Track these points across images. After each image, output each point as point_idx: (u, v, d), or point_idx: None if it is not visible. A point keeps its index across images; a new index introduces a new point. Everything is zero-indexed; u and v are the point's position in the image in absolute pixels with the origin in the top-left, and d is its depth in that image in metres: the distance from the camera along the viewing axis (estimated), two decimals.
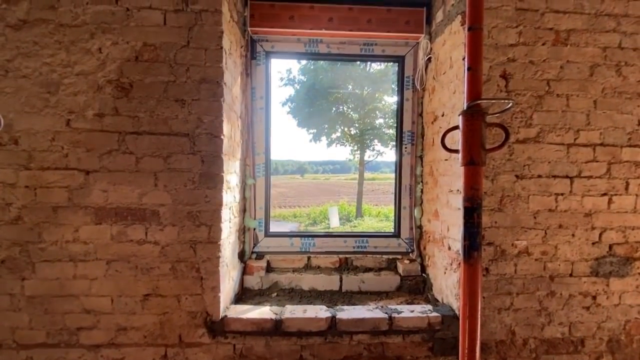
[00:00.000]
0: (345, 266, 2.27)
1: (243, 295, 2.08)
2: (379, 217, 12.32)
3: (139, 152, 1.60)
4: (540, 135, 1.71)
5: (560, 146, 1.71)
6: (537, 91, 1.69)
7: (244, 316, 1.66)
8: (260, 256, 2.23)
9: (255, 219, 2.21)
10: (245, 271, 2.14)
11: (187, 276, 1.62)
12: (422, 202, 2.26)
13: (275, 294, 2.12)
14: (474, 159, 0.85)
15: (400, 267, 2.19)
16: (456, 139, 0.96)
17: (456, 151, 0.91)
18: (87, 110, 1.59)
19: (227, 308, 1.74)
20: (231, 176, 1.80)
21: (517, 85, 1.68)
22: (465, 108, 0.88)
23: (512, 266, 1.72)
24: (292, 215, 12.77)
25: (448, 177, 1.86)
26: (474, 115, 0.86)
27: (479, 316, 0.86)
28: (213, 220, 1.62)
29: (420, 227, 2.27)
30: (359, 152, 13.60)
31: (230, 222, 1.82)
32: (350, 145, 13.74)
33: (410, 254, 2.28)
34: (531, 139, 1.70)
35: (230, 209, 1.81)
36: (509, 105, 0.88)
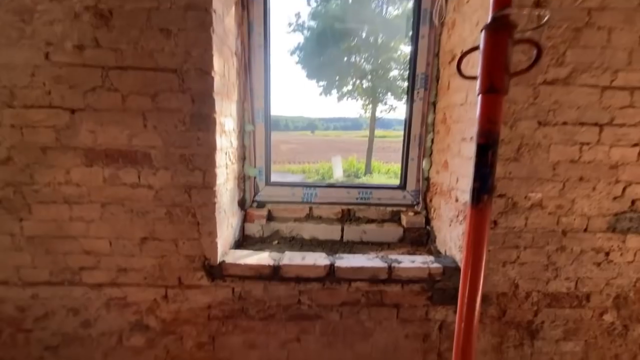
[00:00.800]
0: (347, 217, 2.22)
1: (244, 242, 2.08)
2: (388, 175, 12.21)
3: (125, 90, 1.48)
4: (572, 76, 1.50)
5: (593, 89, 1.51)
6: (576, 23, 1.45)
7: (242, 261, 1.65)
8: (261, 205, 2.19)
9: (255, 167, 2.13)
10: (246, 219, 2.12)
11: (183, 221, 1.59)
12: (431, 153, 2.12)
13: (277, 241, 2.11)
14: (494, 85, 0.71)
15: (404, 219, 2.12)
16: (475, 67, 0.80)
17: (474, 78, 0.76)
18: (66, 42, 1.45)
19: (226, 253, 1.73)
20: (226, 119, 1.68)
21: (552, 14, 1.43)
22: (489, 21, 0.71)
23: (522, 219, 1.63)
24: (301, 171, 12.76)
25: (462, 124, 1.70)
26: (498, 30, 0.70)
27: (483, 267, 0.78)
28: (207, 165, 1.54)
29: (427, 179, 2.15)
30: (370, 106, 13.06)
31: (227, 168, 1.74)
32: (362, 99, 13.17)
33: (415, 207, 2.20)
34: (561, 80, 1.50)
35: (226, 154, 1.71)
36: (546, 19, 0.71)
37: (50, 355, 1.70)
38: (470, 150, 1.61)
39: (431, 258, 1.75)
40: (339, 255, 1.75)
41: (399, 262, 1.68)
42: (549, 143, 1.56)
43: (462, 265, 0.81)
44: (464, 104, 1.68)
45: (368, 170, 12.42)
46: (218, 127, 1.55)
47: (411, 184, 2.19)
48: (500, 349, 1.75)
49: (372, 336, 1.72)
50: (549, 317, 1.73)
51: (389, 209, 2.22)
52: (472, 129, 1.60)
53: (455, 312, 1.71)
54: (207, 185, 1.55)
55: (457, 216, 1.71)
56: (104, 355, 1.70)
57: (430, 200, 2.13)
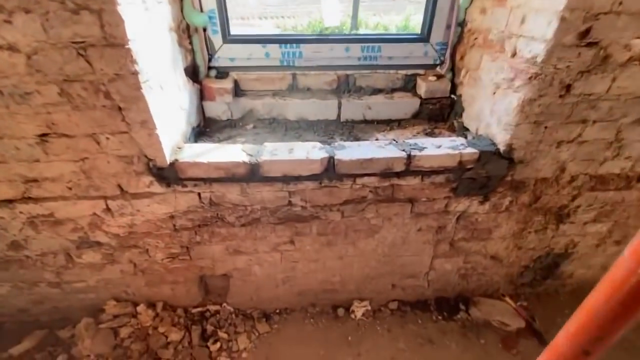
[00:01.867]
0: (345, 87, 1.64)
1: (207, 129, 1.54)
2: (377, 29, 10.55)
3: None
4: None
5: None
6: None
7: (205, 160, 1.16)
8: (223, 74, 1.54)
9: (202, 11, 1.36)
10: (203, 96, 1.50)
11: (94, 105, 1.00)
12: None
13: (252, 125, 1.58)
14: None
15: (423, 86, 1.57)
16: None
17: None
18: None
19: (180, 148, 1.22)
20: None
21: None
22: None
23: (607, 82, 1.12)
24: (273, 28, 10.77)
25: None
26: None
27: None
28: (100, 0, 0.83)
29: (462, 24, 1.48)
30: None
31: (146, 8, 1.01)
32: None
33: (439, 67, 1.61)
34: None
35: None
36: None
37: None
38: None
39: (462, 140, 1.31)
40: (339, 144, 1.27)
41: (421, 149, 1.24)
42: None
43: None
44: None
45: (354, 25, 10.57)
46: None
47: (438, 33, 1.52)
48: (521, 235, 1.55)
49: (378, 233, 1.45)
50: (587, 201, 1.46)
51: (402, 72, 1.62)
52: None
53: (481, 202, 1.41)
54: (112, 39, 0.89)
55: (512, 80, 1.17)
56: (57, 274, 1.41)
57: (462, 58, 1.52)
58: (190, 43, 1.41)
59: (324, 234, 1.43)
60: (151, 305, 1.55)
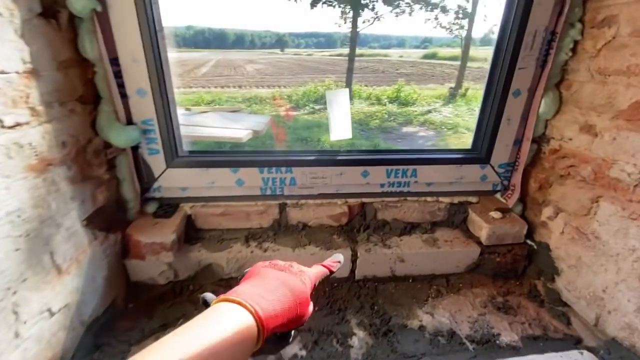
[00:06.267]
0: (361, 222, 1.07)
1: (130, 304, 0.90)
2: (369, 100, 10.75)
3: None
4: None
5: None
6: None
7: None
8: (167, 207, 0.96)
9: (130, 123, 0.82)
10: (128, 252, 0.90)
11: None
12: (560, 80, 0.90)
13: (209, 293, 0.95)
14: None
15: (484, 230, 0.99)
16: None
17: None
18: None
19: None
20: None
21: None
22: None
23: None
24: (270, 97, 10.87)
25: None
26: None
27: None
28: None
29: (541, 139, 0.97)
30: (351, 13, 10.56)
31: None
32: (340, 6, 10.61)
33: (502, 195, 1.07)
34: None
35: None
36: None
37: None
38: None
39: None
40: None
41: None
42: None
43: None
44: None
45: (349, 95, 10.78)
46: None
47: (502, 153, 1.00)
48: None
49: None
50: None
51: (446, 200, 1.07)
52: None
53: None
54: None
55: None
56: None
57: (540, 188, 0.99)
58: (110, 169, 0.85)
59: None
60: None
